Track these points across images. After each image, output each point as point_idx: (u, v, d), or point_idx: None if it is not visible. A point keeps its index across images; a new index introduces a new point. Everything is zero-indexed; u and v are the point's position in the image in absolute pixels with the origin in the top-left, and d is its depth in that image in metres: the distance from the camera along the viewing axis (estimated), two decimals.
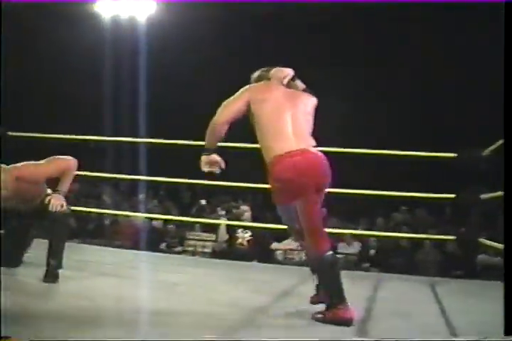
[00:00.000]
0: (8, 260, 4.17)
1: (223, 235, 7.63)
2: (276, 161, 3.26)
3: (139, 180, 8.71)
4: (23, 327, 2.61)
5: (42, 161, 4.11)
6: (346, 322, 3.16)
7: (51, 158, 4.13)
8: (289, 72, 3.56)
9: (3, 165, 3.98)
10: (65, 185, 4.10)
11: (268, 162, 3.32)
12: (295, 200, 3.31)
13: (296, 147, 3.27)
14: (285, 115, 3.34)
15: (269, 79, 3.55)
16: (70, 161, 4.15)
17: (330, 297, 3.28)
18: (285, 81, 3.51)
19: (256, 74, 3.65)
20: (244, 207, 7.83)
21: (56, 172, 4.08)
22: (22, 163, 4.09)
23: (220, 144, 3.46)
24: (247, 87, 3.49)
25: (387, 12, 10.50)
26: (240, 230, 7.60)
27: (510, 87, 2.93)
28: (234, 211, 7.56)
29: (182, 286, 4.23)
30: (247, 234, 7.60)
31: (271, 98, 3.37)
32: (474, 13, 9.35)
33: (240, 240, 7.32)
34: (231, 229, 7.94)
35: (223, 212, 7.83)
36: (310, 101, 3.52)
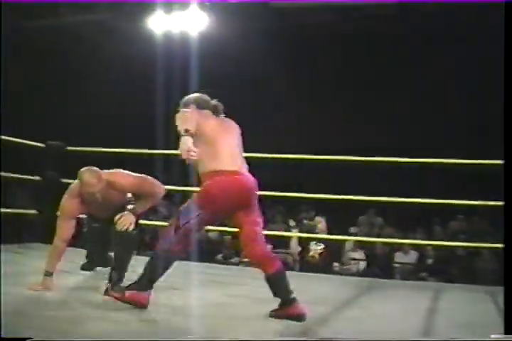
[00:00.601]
0: (94, 260, 4.50)
1: (295, 247, 7.38)
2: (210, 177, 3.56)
3: (192, 191, 8.76)
4: None
5: (136, 174, 4.15)
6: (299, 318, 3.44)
7: (145, 176, 4.18)
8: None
9: (94, 168, 4.02)
10: (144, 207, 4.12)
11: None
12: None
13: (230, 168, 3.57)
14: (224, 139, 3.66)
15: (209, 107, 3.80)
16: (162, 188, 4.20)
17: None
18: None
19: (195, 100, 3.79)
20: (320, 219, 7.54)
21: (147, 191, 4.10)
22: (116, 170, 4.16)
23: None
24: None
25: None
26: (312, 242, 7.33)
27: (511, 87, 2.88)
28: (306, 222, 7.26)
29: (240, 298, 4.26)
30: (320, 247, 7.37)
31: (214, 123, 3.69)
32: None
33: (311, 253, 7.12)
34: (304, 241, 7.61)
35: (294, 224, 7.57)
36: (239, 129, 3.85)
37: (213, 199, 3.50)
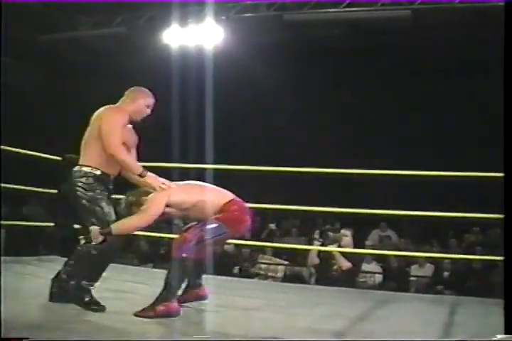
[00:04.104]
0: None
1: (314, 259, 7.29)
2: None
3: None
4: None
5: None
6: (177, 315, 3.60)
7: None
8: None
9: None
10: None
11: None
12: None
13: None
14: None
15: None
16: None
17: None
18: None
19: None
20: (346, 232, 7.42)
21: None
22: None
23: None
24: None
25: None
26: (337, 255, 7.20)
27: (511, 89, 2.87)
28: (331, 234, 7.11)
29: (257, 311, 4.27)
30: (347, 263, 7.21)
31: None
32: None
33: (335, 267, 7.04)
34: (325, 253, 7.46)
35: (317, 236, 7.45)
36: None
37: (240, 222, 3.86)
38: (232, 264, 8.99)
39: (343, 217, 8.11)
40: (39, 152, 6.80)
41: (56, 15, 10.92)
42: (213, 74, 9.02)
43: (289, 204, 6.73)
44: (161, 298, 3.60)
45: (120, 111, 3.91)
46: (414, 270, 8.71)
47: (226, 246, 9.38)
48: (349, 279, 7.00)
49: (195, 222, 3.89)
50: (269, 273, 8.62)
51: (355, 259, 7.20)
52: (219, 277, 6.41)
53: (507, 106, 2.87)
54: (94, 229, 3.65)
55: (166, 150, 9.56)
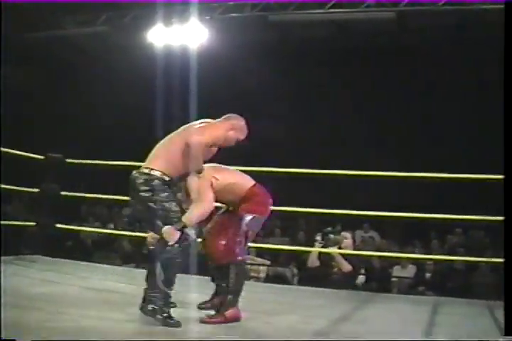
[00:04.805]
0: None
1: (314, 261, 7.24)
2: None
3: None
4: None
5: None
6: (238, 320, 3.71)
7: None
8: None
9: None
10: None
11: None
12: None
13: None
14: None
15: None
16: None
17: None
18: None
19: None
20: (347, 234, 7.40)
21: None
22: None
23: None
24: None
25: None
26: (339, 257, 7.16)
27: (511, 88, 2.88)
28: (331, 236, 7.03)
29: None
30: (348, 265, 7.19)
31: None
32: None
33: (336, 269, 7.00)
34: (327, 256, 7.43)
35: (319, 238, 7.38)
36: None
37: (266, 206, 3.96)
38: None
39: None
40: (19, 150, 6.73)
41: (41, 13, 10.86)
42: (197, 74, 8.99)
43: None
44: (228, 304, 3.71)
45: (221, 130, 3.92)
46: (397, 271, 8.74)
47: None
48: (349, 281, 7.00)
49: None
50: (252, 274, 8.60)
51: (355, 261, 7.20)
52: (201, 277, 6.42)
53: (507, 106, 2.88)
54: (167, 228, 3.60)
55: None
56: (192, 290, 4.51)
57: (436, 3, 9.19)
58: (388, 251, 8.86)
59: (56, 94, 12.57)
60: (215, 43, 10.72)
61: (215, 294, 4.05)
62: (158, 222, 3.64)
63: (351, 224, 9.07)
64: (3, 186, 6.56)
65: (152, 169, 3.76)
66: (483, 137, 10.46)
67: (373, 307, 4.98)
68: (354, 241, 7.69)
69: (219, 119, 4.02)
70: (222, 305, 3.73)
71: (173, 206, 3.68)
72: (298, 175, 7.10)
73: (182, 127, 3.98)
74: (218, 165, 4.04)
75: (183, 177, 3.83)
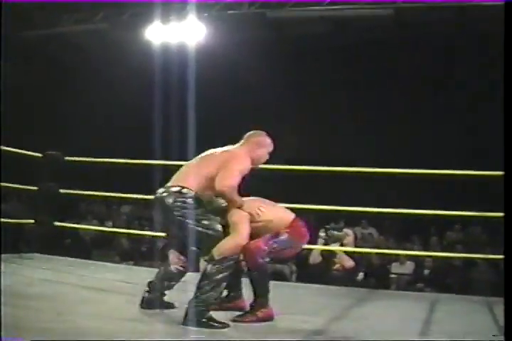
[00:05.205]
0: None
1: (316, 257, 7.20)
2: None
3: None
4: None
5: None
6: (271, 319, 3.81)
7: None
8: None
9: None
10: None
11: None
12: None
13: None
14: None
15: None
16: None
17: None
18: None
19: None
20: (349, 231, 7.38)
21: None
22: None
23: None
24: None
25: None
26: (340, 254, 7.14)
27: (511, 87, 2.88)
28: (334, 233, 6.99)
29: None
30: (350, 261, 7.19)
31: None
32: None
33: (337, 265, 6.98)
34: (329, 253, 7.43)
35: (323, 234, 7.34)
36: None
37: (304, 237, 4.05)
38: None
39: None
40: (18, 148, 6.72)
41: (40, 12, 10.86)
42: (195, 71, 8.98)
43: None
44: (259, 305, 3.79)
45: (248, 157, 3.95)
46: (395, 267, 8.76)
47: None
48: (350, 277, 7.00)
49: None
50: None
51: (357, 258, 7.21)
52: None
53: (507, 105, 2.88)
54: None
55: (149, 146, 9.56)
56: None
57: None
58: (386, 248, 8.89)
59: (54, 92, 12.57)
60: (212, 40, 10.71)
61: (227, 298, 4.08)
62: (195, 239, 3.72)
63: (350, 220, 9.09)
64: (2, 184, 6.56)
65: (184, 187, 3.78)
66: (480, 133, 10.47)
67: (372, 304, 4.98)
68: (356, 237, 7.70)
69: (242, 141, 4.08)
70: (253, 306, 3.82)
71: (213, 222, 3.75)
72: (294, 172, 7.11)
73: (207, 152, 4.04)
74: (262, 199, 4.08)
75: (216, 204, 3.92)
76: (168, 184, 3.86)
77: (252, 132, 4.12)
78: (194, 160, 4.00)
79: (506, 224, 2.88)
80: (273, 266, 8.67)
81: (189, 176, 3.86)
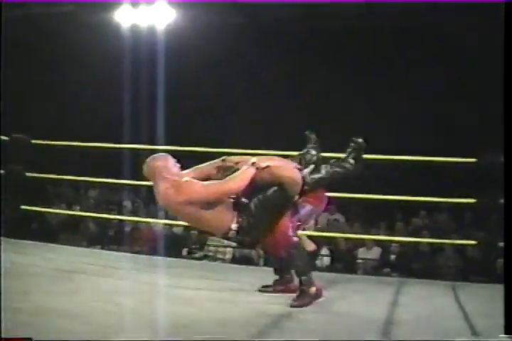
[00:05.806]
0: None
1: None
2: None
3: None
4: None
5: None
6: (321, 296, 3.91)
7: None
8: None
9: None
10: None
11: None
12: None
13: None
14: None
15: None
16: None
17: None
18: None
19: None
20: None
21: None
22: None
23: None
24: None
25: None
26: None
27: (510, 87, 2.92)
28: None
29: (206, 291, 4.28)
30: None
31: None
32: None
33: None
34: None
35: None
36: None
37: (323, 199, 4.36)
38: (181, 246, 8.98)
39: None
40: None
41: None
42: (165, 54, 8.95)
43: None
44: (306, 284, 3.84)
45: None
46: (362, 252, 8.83)
47: (175, 229, 9.36)
48: (312, 260, 7.08)
49: None
50: (218, 255, 8.64)
51: (319, 241, 7.32)
52: (168, 259, 6.42)
53: (506, 103, 2.92)
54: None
55: (118, 130, 9.50)
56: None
57: None
58: (353, 233, 8.95)
59: (22, 74, 12.40)
60: (182, 24, 10.65)
61: (279, 281, 4.28)
62: None
63: None
64: None
65: None
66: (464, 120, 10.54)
67: (338, 288, 5.02)
68: (316, 221, 7.74)
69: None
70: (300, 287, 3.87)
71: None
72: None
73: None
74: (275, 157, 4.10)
75: None
76: None
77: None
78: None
79: (506, 218, 2.95)
80: (240, 251, 8.72)
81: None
